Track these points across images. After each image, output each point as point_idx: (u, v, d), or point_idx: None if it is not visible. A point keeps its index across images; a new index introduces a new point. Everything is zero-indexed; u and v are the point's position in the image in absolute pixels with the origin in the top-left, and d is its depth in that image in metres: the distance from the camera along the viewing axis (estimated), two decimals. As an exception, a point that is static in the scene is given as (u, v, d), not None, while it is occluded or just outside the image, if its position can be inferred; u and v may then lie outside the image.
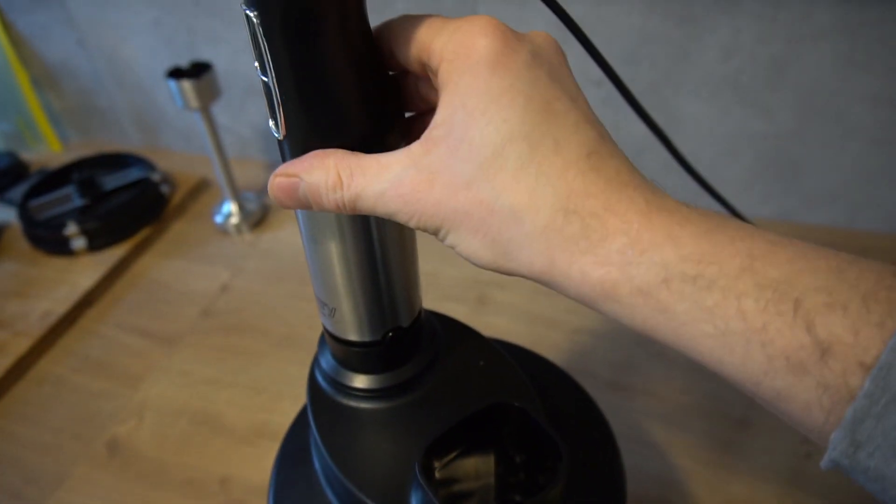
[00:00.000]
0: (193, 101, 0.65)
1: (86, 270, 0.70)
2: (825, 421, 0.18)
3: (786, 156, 0.67)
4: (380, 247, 0.27)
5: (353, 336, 0.30)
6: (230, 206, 0.75)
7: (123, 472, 0.53)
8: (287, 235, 0.75)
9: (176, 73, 0.65)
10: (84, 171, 0.76)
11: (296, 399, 0.57)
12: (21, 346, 0.62)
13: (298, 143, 0.24)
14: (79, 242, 0.71)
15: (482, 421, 0.29)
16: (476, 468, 0.30)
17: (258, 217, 0.77)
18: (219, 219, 0.75)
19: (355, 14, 0.22)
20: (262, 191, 0.82)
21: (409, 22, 0.23)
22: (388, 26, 0.24)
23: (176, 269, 0.72)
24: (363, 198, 0.23)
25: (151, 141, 0.93)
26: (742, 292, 0.19)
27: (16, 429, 0.57)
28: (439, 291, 0.66)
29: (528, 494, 0.30)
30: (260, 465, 0.53)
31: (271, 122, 0.24)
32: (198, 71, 0.65)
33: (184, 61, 0.68)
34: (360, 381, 0.31)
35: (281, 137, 0.24)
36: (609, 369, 0.57)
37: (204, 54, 0.79)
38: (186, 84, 0.64)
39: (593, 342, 0.60)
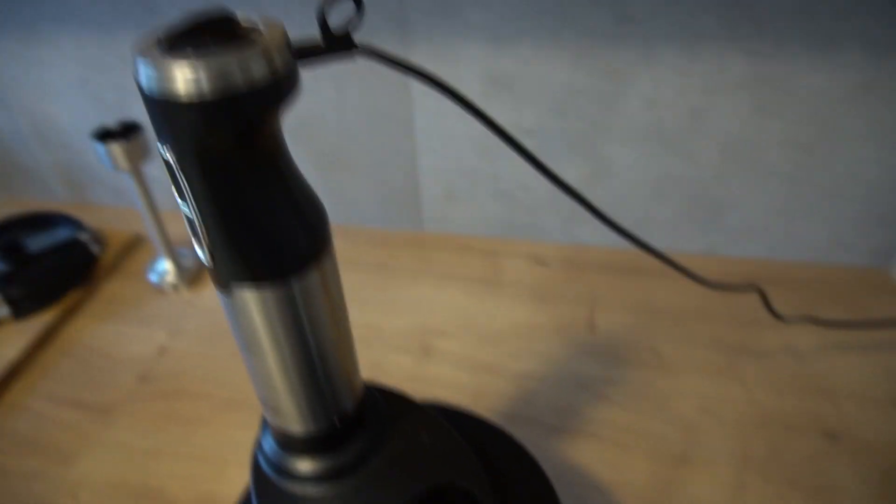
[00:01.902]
0: (123, 163, 0.63)
1: (10, 340, 0.67)
2: None
3: (710, 196, 0.70)
4: (316, 345, 0.27)
5: (298, 429, 0.30)
6: (165, 264, 0.73)
7: (58, 559, 0.50)
8: (226, 291, 0.74)
9: (104, 135, 0.64)
10: (7, 235, 0.73)
11: (242, 466, 0.56)
12: (-59, 427, 0.58)
13: (227, 269, 0.24)
14: (1, 311, 0.68)
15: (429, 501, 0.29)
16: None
17: (195, 274, 0.75)
18: (153, 277, 0.73)
19: (274, 147, 0.23)
20: (199, 245, 0.81)
21: None
22: None
23: (110, 333, 0.70)
24: None
25: (80, 197, 0.90)
26: None
27: (-63, 519, 0.54)
28: (383, 343, 0.66)
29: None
30: (205, 540, 0.51)
31: (196, 248, 0.24)
32: (126, 132, 0.64)
33: (113, 119, 0.66)
34: (307, 466, 0.31)
35: (209, 265, 0.24)
36: (553, 414, 0.58)
37: (134, 110, 0.77)
38: (115, 147, 0.62)
39: (537, 387, 0.61)
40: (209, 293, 0.74)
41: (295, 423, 0.30)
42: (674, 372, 0.62)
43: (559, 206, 0.75)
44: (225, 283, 0.25)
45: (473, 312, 0.69)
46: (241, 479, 0.55)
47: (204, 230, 0.23)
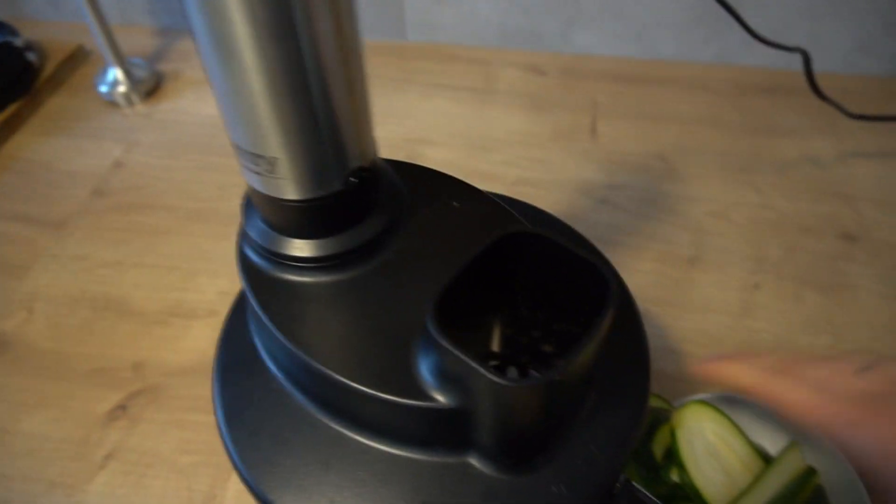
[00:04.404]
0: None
1: (-56, 153, 0.59)
2: None
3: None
4: (314, 57, 0.19)
5: (302, 192, 0.22)
6: (115, 73, 0.65)
7: (16, 368, 0.46)
8: (187, 104, 0.66)
9: None
10: (-75, 38, 0.63)
11: (213, 274, 0.51)
12: None
13: None
14: (-71, 121, 0.60)
15: (488, 265, 0.22)
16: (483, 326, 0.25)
17: (150, 86, 0.67)
18: (103, 88, 0.65)
19: None
20: (152, 57, 0.71)
21: None
22: None
23: (57, 148, 0.62)
24: None
25: (11, 9, 0.79)
26: None
27: None
28: (366, 153, 0.60)
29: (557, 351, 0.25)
30: (177, 345, 0.47)
31: None
32: None
33: None
34: (320, 248, 0.24)
35: None
36: (554, 219, 0.53)
37: None
38: None
39: (534, 193, 0.56)
40: (168, 106, 0.66)
41: (301, 182, 0.22)
42: (682, 178, 0.57)
43: (558, 7, 0.67)
44: None
45: (465, 121, 0.63)
46: (212, 286, 0.50)
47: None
